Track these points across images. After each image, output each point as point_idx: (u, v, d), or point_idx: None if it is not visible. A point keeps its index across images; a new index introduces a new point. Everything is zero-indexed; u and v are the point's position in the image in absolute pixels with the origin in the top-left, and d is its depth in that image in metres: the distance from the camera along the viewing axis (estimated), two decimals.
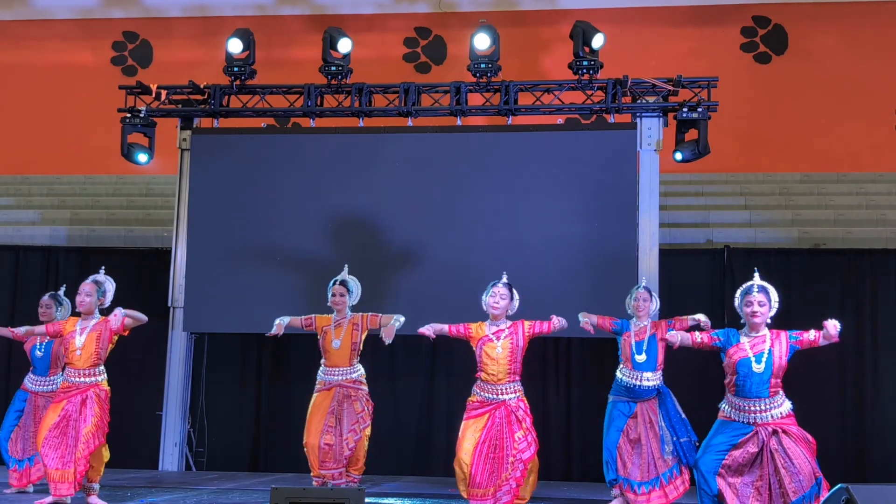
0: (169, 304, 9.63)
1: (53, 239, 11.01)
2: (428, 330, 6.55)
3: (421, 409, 9.76)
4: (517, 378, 6.43)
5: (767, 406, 5.48)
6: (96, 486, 6.70)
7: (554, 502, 7.66)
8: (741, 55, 13.47)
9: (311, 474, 7.29)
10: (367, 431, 7.38)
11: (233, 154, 9.73)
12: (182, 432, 9.56)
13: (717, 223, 10.68)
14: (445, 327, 6.58)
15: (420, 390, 9.77)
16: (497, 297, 6.46)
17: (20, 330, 7.18)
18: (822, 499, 5.36)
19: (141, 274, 10.12)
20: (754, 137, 12.85)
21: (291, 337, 9.79)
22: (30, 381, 7.64)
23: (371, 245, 9.36)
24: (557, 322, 6.41)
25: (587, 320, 6.94)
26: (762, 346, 5.51)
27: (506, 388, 6.35)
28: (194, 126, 9.92)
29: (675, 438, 6.87)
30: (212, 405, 9.82)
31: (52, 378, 7.51)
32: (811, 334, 5.61)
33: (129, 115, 9.75)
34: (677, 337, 5.78)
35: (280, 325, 7.34)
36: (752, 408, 5.47)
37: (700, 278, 9.55)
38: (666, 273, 9.19)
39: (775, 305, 5.70)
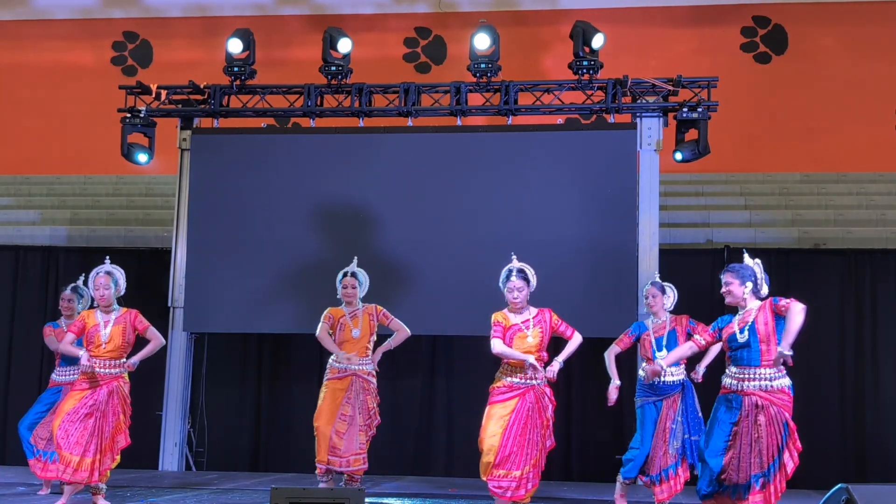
0: (169, 304, 9.63)
1: (53, 239, 11.00)
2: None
3: (421, 409, 9.76)
4: (543, 363, 6.38)
5: (759, 375, 5.52)
6: (103, 486, 6.70)
7: (554, 502, 7.66)
8: (741, 55, 13.47)
9: (316, 459, 7.24)
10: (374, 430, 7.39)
11: (233, 154, 9.73)
12: (182, 432, 9.56)
13: (717, 223, 10.68)
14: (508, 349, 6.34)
15: (420, 390, 9.77)
16: (514, 292, 6.38)
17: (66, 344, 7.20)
18: (778, 480, 5.42)
19: (141, 274, 10.11)
20: (754, 137, 12.85)
21: (292, 336, 9.81)
22: (58, 374, 7.62)
23: (371, 245, 9.36)
24: (574, 345, 6.45)
25: (616, 383, 7.03)
26: (747, 319, 5.61)
27: (532, 373, 6.29)
28: (194, 126, 9.92)
29: (686, 436, 6.82)
30: (212, 405, 9.82)
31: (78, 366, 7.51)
32: (783, 305, 5.57)
33: (129, 115, 9.75)
34: (687, 350, 5.91)
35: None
36: (744, 375, 5.54)
37: (700, 278, 9.54)
38: (666, 273, 9.15)
39: (752, 283, 5.66)
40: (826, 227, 10.53)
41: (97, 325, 6.64)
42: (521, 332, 6.35)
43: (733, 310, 5.77)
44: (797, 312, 5.44)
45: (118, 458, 6.69)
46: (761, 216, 10.81)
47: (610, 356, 7.10)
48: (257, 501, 7.20)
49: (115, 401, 6.55)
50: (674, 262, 9.45)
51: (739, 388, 5.54)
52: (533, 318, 6.43)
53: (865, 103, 12.79)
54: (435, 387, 9.76)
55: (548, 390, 6.37)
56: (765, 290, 5.71)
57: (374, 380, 7.39)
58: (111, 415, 6.53)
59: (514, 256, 6.52)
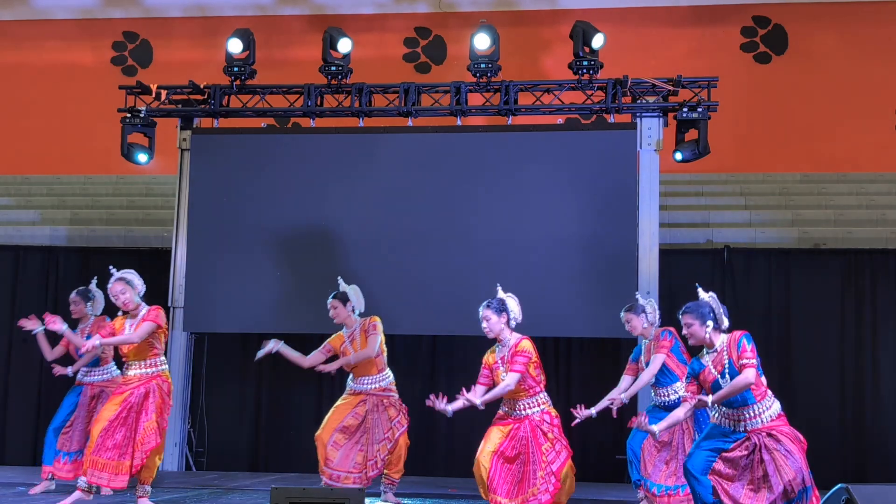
0: (169, 304, 9.63)
1: (53, 239, 11.00)
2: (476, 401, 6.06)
3: (421, 409, 9.70)
4: (537, 391, 6.07)
5: (758, 411, 5.29)
6: (148, 487, 6.67)
7: None
8: (741, 55, 13.47)
9: (319, 470, 7.20)
10: (404, 437, 7.26)
11: (233, 154, 9.73)
12: (182, 432, 9.56)
13: (717, 223, 10.68)
14: (479, 400, 6.06)
15: (420, 390, 9.75)
16: (483, 321, 6.08)
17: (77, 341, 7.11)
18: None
19: (141, 274, 9.98)
20: (754, 137, 12.85)
21: (292, 337, 9.78)
22: (83, 374, 7.62)
23: (370, 245, 9.36)
24: (498, 390, 6.02)
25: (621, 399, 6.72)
26: (723, 362, 5.31)
27: (526, 405, 6.07)
28: (194, 126, 9.92)
29: None
30: (212, 405, 9.82)
31: (105, 367, 7.52)
32: (742, 362, 5.25)
33: (129, 115, 9.75)
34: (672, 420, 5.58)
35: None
36: (743, 416, 5.30)
37: (700, 278, 9.48)
38: (666, 273, 9.19)
39: (712, 320, 5.35)
40: (826, 227, 10.53)
41: (123, 330, 6.58)
42: (498, 369, 6.11)
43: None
44: (743, 383, 5.15)
45: (159, 459, 6.69)
46: (761, 216, 10.81)
47: (623, 383, 6.90)
48: (257, 501, 7.20)
49: (150, 401, 6.48)
50: (674, 262, 9.47)
51: (744, 428, 5.27)
52: (507, 352, 6.07)
53: (865, 103, 12.79)
54: (435, 387, 9.72)
55: (547, 416, 6.06)
56: (725, 322, 5.40)
57: (394, 394, 7.27)
58: (144, 415, 6.45)
59: (498, 287, 6.23)
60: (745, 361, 5.20)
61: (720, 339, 5.38)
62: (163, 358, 6.62)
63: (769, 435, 5.25)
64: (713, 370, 5.33)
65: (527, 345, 6.02)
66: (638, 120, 9.37)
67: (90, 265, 10.27)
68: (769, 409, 5.32)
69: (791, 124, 12.94)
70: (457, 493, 8.01)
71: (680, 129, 9.32)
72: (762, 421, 5.28)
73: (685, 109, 9.18)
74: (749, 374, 5.16)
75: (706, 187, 11.97)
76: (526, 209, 9.26)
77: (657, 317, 7.06)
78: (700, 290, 5.58)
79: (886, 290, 9.45)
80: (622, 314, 7.03)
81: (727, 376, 5.24)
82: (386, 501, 7.15)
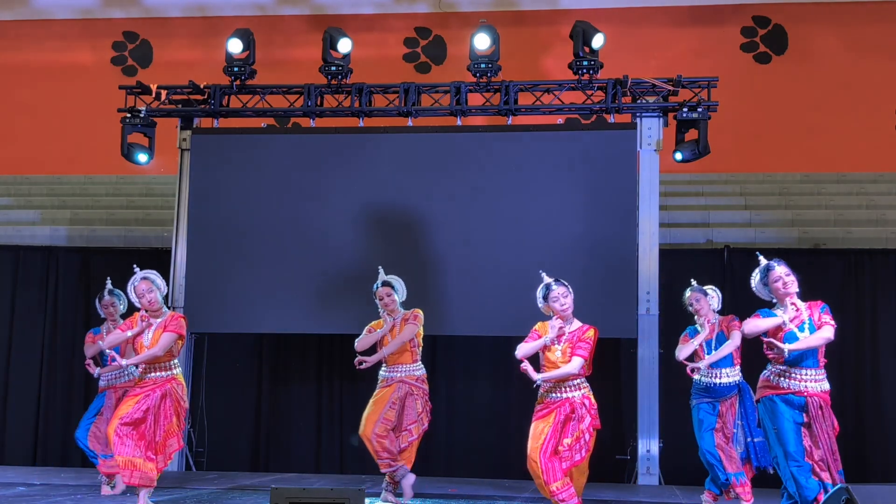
0: (169, 305, 9.62)
1: (53, 239, 11.00)
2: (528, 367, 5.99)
3: None
4: (581, 376, 6.05)
5: (816, 377, 5.62)
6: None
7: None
8: (741, 55, 13.48)
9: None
10: (418, 440, 7.24)
11: (233, 154, 9.73)
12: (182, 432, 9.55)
13: (717, 223, 10.68)
14: (524, 352, 6.03)
15: None
16: (560, 298, 6.03)
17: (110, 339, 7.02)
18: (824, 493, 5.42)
19: None
20: (754, 137, 12.85)
21: (292, 336, 9.80)
22: (105, 379, 7.63)
23: (370, 245, 9.36)
24: (562, 370, 6.01)
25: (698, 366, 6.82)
26: (802, 317, 5.65)
27: (567, 387, 6.00)
28: (194, 126, 9.92)
29: (749, 439, 6.73)
30: (212, 405, 9.81)
31: (126, 369, 7.46)
32: (824, 319, 5.72)
33: (129, 115, 9.75)
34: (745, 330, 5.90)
35: (363, 355, 7.06)
36: (802, 375, 5.60)
37: (700, 278, 9.50)
38: (666, 273, 9.19)
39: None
40: (826, 227, 10.53)
41: (143, 329, 6.58)
42: (553, 345, 6.05)
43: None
44: (825, 336, 5.61)
45: (170, 460, 6.66)
46: (761, 216, 10.81)
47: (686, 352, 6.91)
48: (257, 501, 7.20)
49: (167, 403, 6.49)
50: (674, 262, 9.46)
51: (801, 389, 5.56)
52: (570, 332, 6.08)
53: (865, 103, 12.80)
54: (435, 387, 9.68)
55: (587, 401, 6.00)
56: None
57: (425, 385, 7.21)
58: (163, 418, 6.47)
59: (543, 273, 6.19)
60: (826, 320, 5.67)
61: (800, 302, 5.78)
62: (176, 361, 6.63)
63: (821, 407, 5.58)
64: (789, 324, 5.66)
65: (593, 335, 6.10)
66: (638, 120, 9.37)
67: (90, 265, 10.28)
68: (823, 380, 5.68)
69: (791, 124, 12.94)
70: (456, 492, 8.01)
71: (680, 129, 9.32)
72: (820, 388, 5.63)
73: (685, 109, 9.18)
74: (830, 331, 5.63)
75: (706, 187, 11.97)
76: (526, 209, 9.25)
77: (719, 302, 7.18)
78: (761, 258, 5.89)
79: (886, 290, 9.44)
80: (688, 293, 7.12)
81: (805, 330, 5.62)
82: (386, 501, 7.14)
